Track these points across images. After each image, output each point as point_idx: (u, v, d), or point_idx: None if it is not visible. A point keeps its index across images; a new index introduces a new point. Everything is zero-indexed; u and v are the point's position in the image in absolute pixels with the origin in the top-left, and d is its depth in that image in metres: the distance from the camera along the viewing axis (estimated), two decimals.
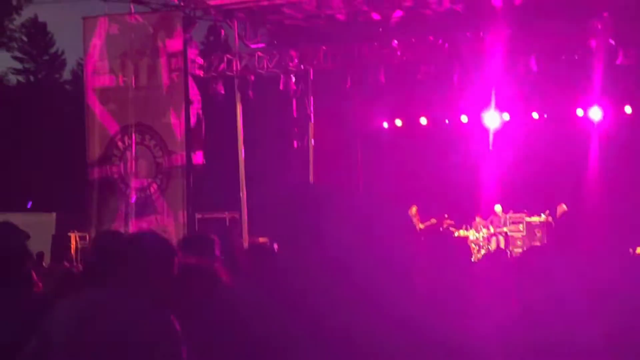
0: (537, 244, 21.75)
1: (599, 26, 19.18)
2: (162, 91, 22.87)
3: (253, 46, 23.32)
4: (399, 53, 21.29)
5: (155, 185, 22.96)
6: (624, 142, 22.35)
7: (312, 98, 25.82)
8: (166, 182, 22.89)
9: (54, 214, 28.75)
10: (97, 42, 23.45)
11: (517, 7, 19.94)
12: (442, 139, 24.80)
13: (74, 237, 24.14)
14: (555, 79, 22.06)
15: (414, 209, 23.12)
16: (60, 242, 24.54)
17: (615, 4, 18.91)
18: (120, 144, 23.33)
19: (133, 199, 22.98)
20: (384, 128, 26.14)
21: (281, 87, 22.69)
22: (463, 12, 20.84)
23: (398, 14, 21.91)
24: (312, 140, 26.17)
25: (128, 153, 23.21)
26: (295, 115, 25.89)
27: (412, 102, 24.56)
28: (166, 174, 22.89)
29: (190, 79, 22.81)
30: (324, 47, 22.04)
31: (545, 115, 23.93)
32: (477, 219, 22.79)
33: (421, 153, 24.77)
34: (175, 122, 22.81)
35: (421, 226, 23.04)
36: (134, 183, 23.07)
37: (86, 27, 23.67)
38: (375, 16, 22.12)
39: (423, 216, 23.21)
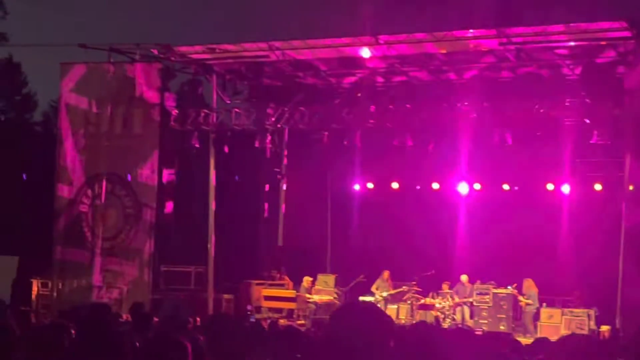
0: (503, 316, 21.78)
1: (576, 105, 19.51)
2: (136, 141, 22.75)
3: (230, 102, 23.35)
4: (376, 118, 21.42)
5: (123, 236, 22.69)
6: (593, 219, 22.57)
7: (286, 156, 25.92)
8: (134, 233, 22.63)
9: (16, 258, 28.18)
10: (72, 89, 23.34)
11: (497, 82, 20.28)
12: (413, 205, 24.89)
13: (35, 283, 23.66)
14: (528, 152, 22.35)
15: (386, 274, 23.09)
16: (20, 288, 24.06)
17: (591, 86, 19.23)
18: (90, 191, 23.10)
19: (99, 249, 22.69)
20: (355, 190, 26.20)
21: (257, 144, 22.68)
22: (442, 83, 21.13)
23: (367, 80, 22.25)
24: (284, 199, 26.23)
25: (97, 202, 22.97)
26: (268, 173, 25.92)
27: (385, 166, 24.67)
28: (135, 224, 22.65)
29: (165, 131, 22.73)
30: (301, 108, 22.11)
31: (516, 188, 24.12)
32: (444, 287, 22.75)
33: (392, 218, 24.81)
34: (147, 174, 22.64)
35: (392, 292, 22.97)
36: (101, 232, 22.80)
37: (63, 72, 23.57)
38: (349, 80, 22.44)
39: (395, 282, 23.18)
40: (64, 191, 23.34)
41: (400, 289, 22.91)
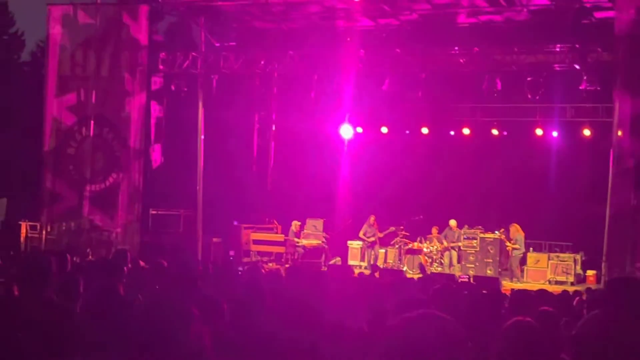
0: (490, 260, 21.94)
1: (566, 51, 19.42)
2: (124, 84, 22.58)
3: (218, 45, 23.14)
4: (366, 63, 21.27)
5: (111, 179, 22.67)
6: (581, 164, 22.65)
7: (275, 100, 25.80)
8: (122, 176, 22.62)
9: (4, 199, 28.10)
10: (59, 30, 23.09)
11: (488, 27, 20.13)
12: (403, 150, 24.90)
13: (24, 225, 23.62)
14: (517, 97, 22.28)
15: (372, 219, 23.15)
16: (9, 229, 24.03)
17: (582, 32, 19.11)
18: (77, 135, 22.99)
19: (88, 192, 22.67)
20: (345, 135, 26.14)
21: (245, 88, 22.55)
22: (432, 28, 20.96)
23: (366, 22, 22.04)
24: (273, 140, 26.20)
25: (85, 145, 22.88)
26: (257, 117, 25.82)
27: (375, 111, 24.60)
28: (123, 167, 22.62)
29: (152, 74, 22.57)
30: (290, 52, 21.94)
31: (505, 133, 24.10)
32: (433, 232, 22.86)
33: (381, 162, 24.82)
34: (135, 116, 22.54)
35: (380, 235, 23.06)
36: (89, 175, 22.75)
37: (51, 14, 23.28)
38: (340, 24, 22.25)
39: (381, 225, 23.24)
40: (52, 134, 23.22)
41: (388, 230, 23.01)
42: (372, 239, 23.04)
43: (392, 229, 22.99)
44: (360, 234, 23.22)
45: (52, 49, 23.37)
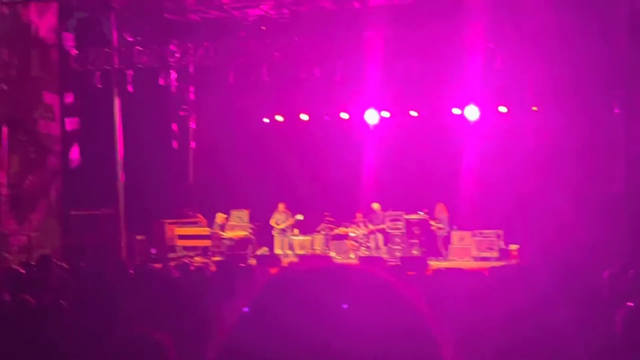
0: (416, 241, 22.17)
1: (479, 29, 19.63)
2: (35, 84, 22.02)
3: (131, 39, 22.76)
4: (282, 51, 21.18)
5: (28, 182, 22.12)
6: (499, 141, 22.96)
7: (192, 93, 25.54)
8: (40, 178, 22.10)
9: None
10: None
11: (399, 6, 20.23)
12: (324, 136, 24.91)
13: None
14: (433, 78, 22.46)
15: (281, 206, 23.16)
16: None
17: (495, 8, 19.36)
18: None
19: (4, 196, 22.08)
20: (264, 124, 26.05)
21: (161, 82, 22.25)
22: (347, 12, 20.99)
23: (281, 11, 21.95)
24: (192, 133, 25.95)
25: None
26: (174, 110, 25.54)
27: (293, 99, 24.55)
28: (40, 169, 22.10)
29: (65, 72, 22.09)
30: (205, 43, 21.72)
31: (424, 114, 24.32)
32: (358, 216, 22.93)
33: (303, 150, 24.83)
34: (49, 117, 22.02)
35: (291, 221, 23.07)
36: (5, 179, 22.16)
37: None
38: (253, 13, 22.12)
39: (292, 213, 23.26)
40: None
41: (295, 218, 23.10)
42: (283, 225, 23.08)
43: (298, 218, 23.05)
44: (272, 223, 23.21)
45: None
